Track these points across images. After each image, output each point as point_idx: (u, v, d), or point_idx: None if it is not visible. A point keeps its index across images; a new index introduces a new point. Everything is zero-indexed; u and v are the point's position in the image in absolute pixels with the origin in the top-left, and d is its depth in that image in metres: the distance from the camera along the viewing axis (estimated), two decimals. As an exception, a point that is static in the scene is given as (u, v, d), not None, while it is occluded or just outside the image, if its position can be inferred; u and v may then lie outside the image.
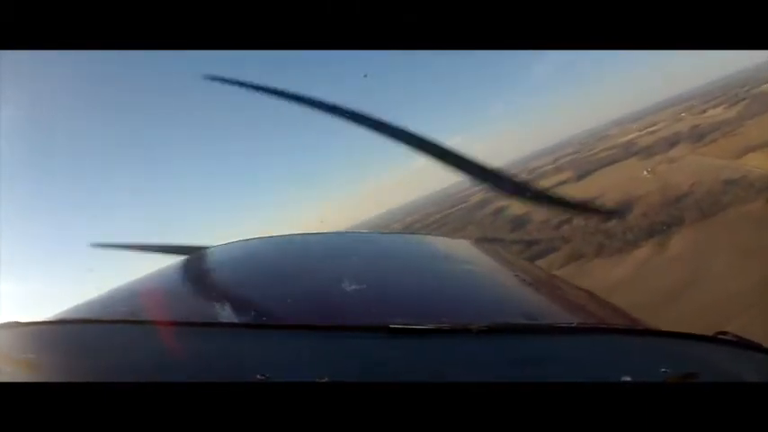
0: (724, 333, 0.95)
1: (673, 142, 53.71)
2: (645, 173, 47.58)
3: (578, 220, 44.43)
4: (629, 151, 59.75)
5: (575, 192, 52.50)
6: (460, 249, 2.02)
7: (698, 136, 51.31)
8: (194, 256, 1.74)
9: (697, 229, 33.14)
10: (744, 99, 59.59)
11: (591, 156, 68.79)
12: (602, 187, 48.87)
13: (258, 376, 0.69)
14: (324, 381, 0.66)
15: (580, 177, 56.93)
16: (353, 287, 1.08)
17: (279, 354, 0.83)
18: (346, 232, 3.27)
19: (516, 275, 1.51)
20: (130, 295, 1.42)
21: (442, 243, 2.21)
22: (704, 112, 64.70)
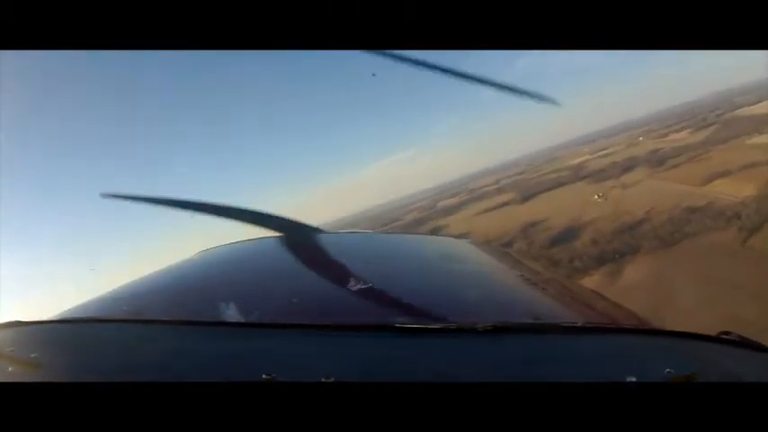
0: (727, 333, 0.94)
1: (628, 167, 49.61)
2: (596, 197, 42.77)
3: (520, 244, 38.38)
4: (579, 174, 55.10)
5: (518, 214, 46.42)
6: (463, 249, 2.00)
7: (657, 161, 47.52)
8: (196, 256, 1.80)
9: (656, 259, 27.55)
10: (713, 124, 57.06)
11: (537, 177, 64.46)
12: (548, 210, 42.76)
13: (264, 376, 0.69)
14: (329, 380, 0.67)
15: (525, 199, 51.36)
16: (358, 286, 1.10)
17: (284, 353, 0.83)
18: (349, 232, 2.90)
19: (520, 275, 1.52)
20: (133, 294, 1.42)
21: (444, 242, 2.27)
22: (665, 136, 61.96)
